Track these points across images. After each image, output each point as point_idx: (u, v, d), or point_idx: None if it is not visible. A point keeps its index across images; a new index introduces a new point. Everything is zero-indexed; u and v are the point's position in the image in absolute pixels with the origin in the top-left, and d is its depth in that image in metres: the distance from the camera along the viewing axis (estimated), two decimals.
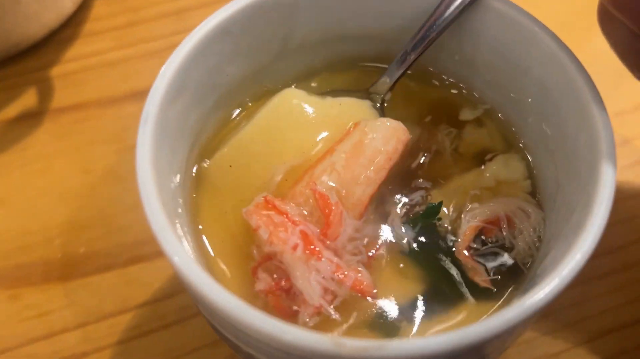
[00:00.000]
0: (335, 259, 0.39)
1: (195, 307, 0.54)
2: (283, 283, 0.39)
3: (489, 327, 0.31)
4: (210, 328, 0.43)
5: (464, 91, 0.52)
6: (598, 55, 0.76)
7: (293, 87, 0.51)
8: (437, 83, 0.52)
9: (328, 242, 0.40)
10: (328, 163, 0.43)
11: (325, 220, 0.41)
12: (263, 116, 0.47)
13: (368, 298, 0.41)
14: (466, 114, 0.50)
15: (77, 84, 0.71)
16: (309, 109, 0.47)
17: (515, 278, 0.43)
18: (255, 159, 0.46)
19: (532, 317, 0.32)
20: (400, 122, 0.46)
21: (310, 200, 0.41)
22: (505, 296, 0.42)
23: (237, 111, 0.51)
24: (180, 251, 0.35)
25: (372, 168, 0.44)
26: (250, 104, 0.51)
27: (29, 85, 0.71)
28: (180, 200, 0.42)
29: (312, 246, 0.39)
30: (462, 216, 0.44)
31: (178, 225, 0.39)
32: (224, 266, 0.43)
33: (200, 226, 0.45)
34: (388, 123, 0.45)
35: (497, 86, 0.49)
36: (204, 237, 0.45)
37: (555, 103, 0.43)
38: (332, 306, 0.38)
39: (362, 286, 0.39)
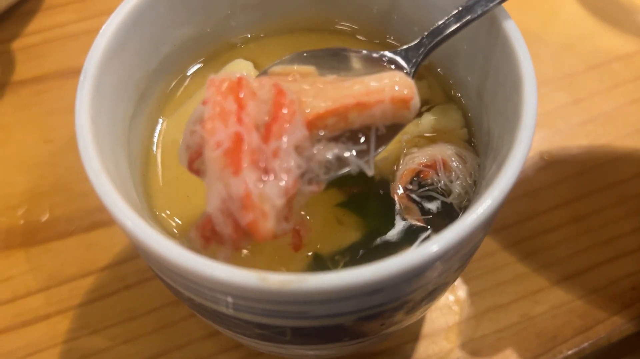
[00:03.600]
0: (252, 185, 0.34)
1: None
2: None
3: (407, 260, 0.32)
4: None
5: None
6: (551, 19, 0.78)
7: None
8: (377, 41, 0.54)
9: (269, 142, 0.36)
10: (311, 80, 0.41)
11: (274, 113, 0.37)
12: None
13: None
14: None
15: (38, 57, 0.72)
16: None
17: (452, 221, 0.44)
18: None
19: (448, 252, 0.33)
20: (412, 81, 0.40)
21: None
22: None
23: (195, 67, 0.53)
24: (117, 202, 0.36)
25: (343, 93, 0.38)
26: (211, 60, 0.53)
27: None
28: (125, 154, 0.43)
29: (237, 156, 0.35)
30: (401, 160, 0.46)
31: (120, 176, 0.40)
32: (174, 220, 0.45)
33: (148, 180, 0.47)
34: (397, 78, 0.39)
35: None
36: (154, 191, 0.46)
37: (485, 55, 0.44)
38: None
39: (257, 226, 0.35)
